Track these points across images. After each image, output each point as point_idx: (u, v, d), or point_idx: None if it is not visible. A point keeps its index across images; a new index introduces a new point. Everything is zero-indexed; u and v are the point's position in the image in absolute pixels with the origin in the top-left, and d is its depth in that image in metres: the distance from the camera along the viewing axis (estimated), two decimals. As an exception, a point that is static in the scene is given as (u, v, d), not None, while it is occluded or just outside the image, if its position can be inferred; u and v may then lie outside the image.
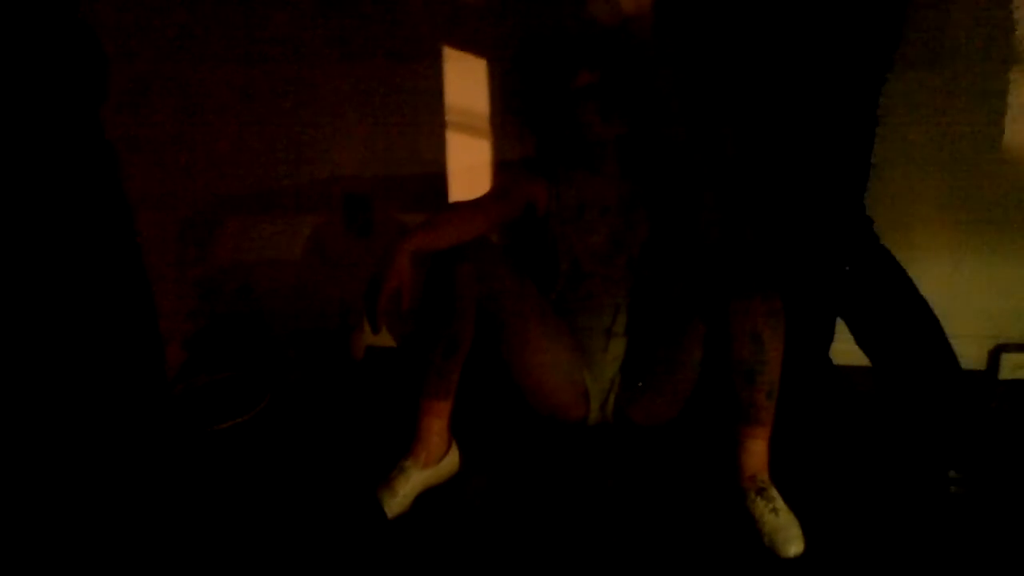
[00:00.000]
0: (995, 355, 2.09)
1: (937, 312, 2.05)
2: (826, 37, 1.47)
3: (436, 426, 1.64)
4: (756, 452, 1.54)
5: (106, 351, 1.41)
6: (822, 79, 1.50)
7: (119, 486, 1.59)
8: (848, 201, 1.61)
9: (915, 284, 1.63)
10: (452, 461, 1.69)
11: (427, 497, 1.62)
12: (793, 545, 1.42)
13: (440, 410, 1.64)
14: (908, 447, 1.66)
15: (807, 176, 1.59)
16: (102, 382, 1.42)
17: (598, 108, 1.71)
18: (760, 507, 1.48)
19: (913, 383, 1.63)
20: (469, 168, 2.14)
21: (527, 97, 1.85)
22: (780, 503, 1.48)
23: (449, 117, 2.11)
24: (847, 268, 1.60)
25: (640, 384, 1.71)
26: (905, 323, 1.62)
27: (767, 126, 1.61)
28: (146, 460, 1.62)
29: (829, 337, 1.94)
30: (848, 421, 1.80)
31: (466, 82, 2.07)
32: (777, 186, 1.65)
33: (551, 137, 1.80)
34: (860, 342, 1.69)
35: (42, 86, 1.20)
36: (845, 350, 1.83)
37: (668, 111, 1.76)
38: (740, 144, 1.73)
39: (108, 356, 1.41)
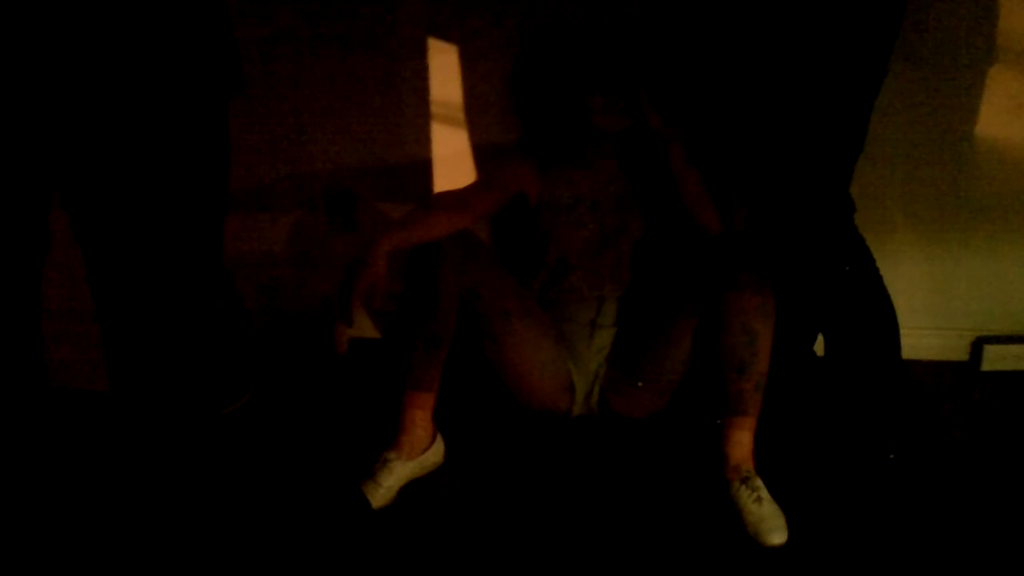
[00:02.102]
0: (977, 347, 2.11)
1: (921, 305, 2.09)
2: (826, 21, 1.47)
3: (420, 418, 1.63)
4: (742, 442, 1.55)
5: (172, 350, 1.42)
6: (824, 64, 1.50)
7: (105, 478, 1.59)
8: (835, 184, 1.61)
9: (881, 275, 1.65)
10: (437, 453, 1.68)
11: (411, 489, 1.61)
12: (777, 535, 1.42)
13: (423, 402, 1.64)
14: (852, 420, 1.70)
15: (800, 160, 1.59)
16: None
17: (602, 101, 1.67)
18: (744, 497, 1.48)
19: (859, 366, 1.68)
20: (455, 160, 2.14)
21: (532, 90, 1.83)
22: (764, 493, 1.49)
23: (435, 110, 2.10)
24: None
25: (640, 384, 1.70)
26: (862, 311, 1.64)
27: (766, 112, 1.61)
28: (135, 451, 1.61)
29: (815, 331, 1.94)
30: (832, 413, 1.81)
31: (453, 75, 2.07)
32: (771, 173, 1.65)
33: (550, 129, 1.78)
34: (820, 322, 1.72)
35: (187, 75, 1.24)
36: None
37: (672, 108, 1.74)
38: (739, 136, 1.73)
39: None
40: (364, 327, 2.31)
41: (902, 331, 1.67)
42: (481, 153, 2.11)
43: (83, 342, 1.94)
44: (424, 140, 2.13)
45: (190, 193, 1.32)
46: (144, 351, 1.38)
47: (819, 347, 1.96)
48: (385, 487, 1.56)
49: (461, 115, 2.10)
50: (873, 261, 1.64)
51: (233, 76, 1.36)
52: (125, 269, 1.31)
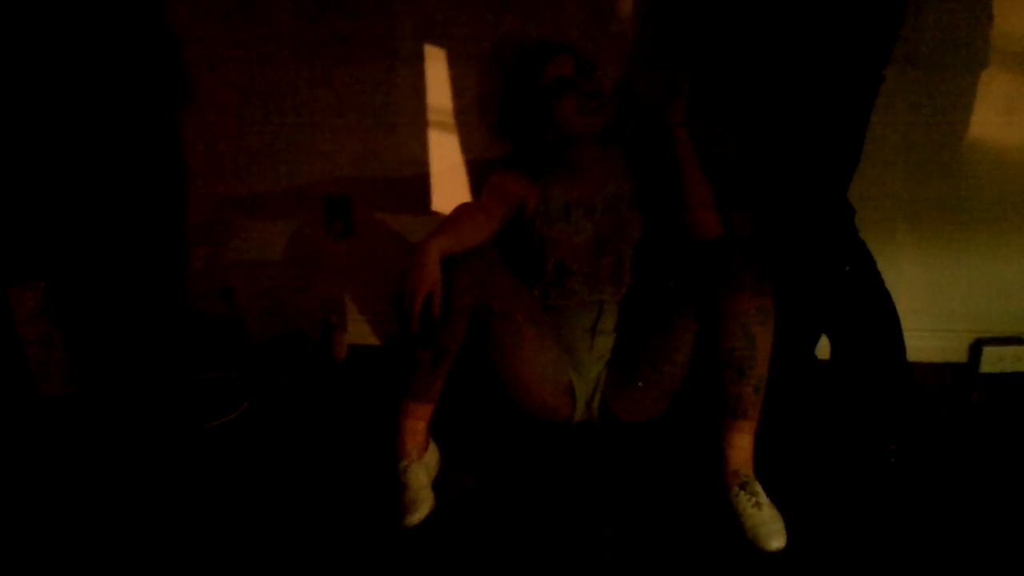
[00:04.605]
0: (976, 348, 2.11)
1: (921, 307, 2.09)
2: (826, 32, 1.48)
3: (419, 427, 1.63)
4: (741, 446, 1.54)
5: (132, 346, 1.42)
6: (820, 74, 1.50)
7: (110, 484, 1.59)
8: (833, 191, 1.61)
9: (882, 277, 1.66)
10: (433, 453, 1.68)
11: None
12: (775, 539, 1.42)
13: (423, 413, 1.64)
14: (857, 424, 1.71)
15: (797, 167, 1.59)
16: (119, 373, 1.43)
17: (574, 101, 1.69)
18: (743, 501, 1.48)
19: (865, 369, 1.68)
20: (451, 169, 2.14)
21: (503, 99, 1.84)
22: (763, 497, 1.48)
23: (432, 117, 2.10)
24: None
25: (640, 384, 1.70)
26: (867, 314, 1.65)
27: (763, 121, 1.61)
28: (136, 458, 1.62)
29: (816, 334, 1.94)
30: (832, 416, 1.81)
31: (449, 82, 2.07)
32: (769, 179, 1.65)
33: (531, 139, 1.79)
34: (824, 326, 1.73)
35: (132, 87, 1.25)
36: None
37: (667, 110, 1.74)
38: (740, 140, 1.73)
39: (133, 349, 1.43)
40: (362, 333, 2.32)
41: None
42: (478, 159, 2.12)
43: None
44: (423, 143, 2.13)
45: (138, 200, 1.31)
46: (106, 357, 1.38)
47: (820, 351, 1.96)
48: (419, 493, 1.55)
49: (461, 118, 2.10)
50: (874, 263, 1.64)
51: (173, 81, 1.34)
52: (86, 282, 1.30)
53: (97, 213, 1.28)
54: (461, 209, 1.67)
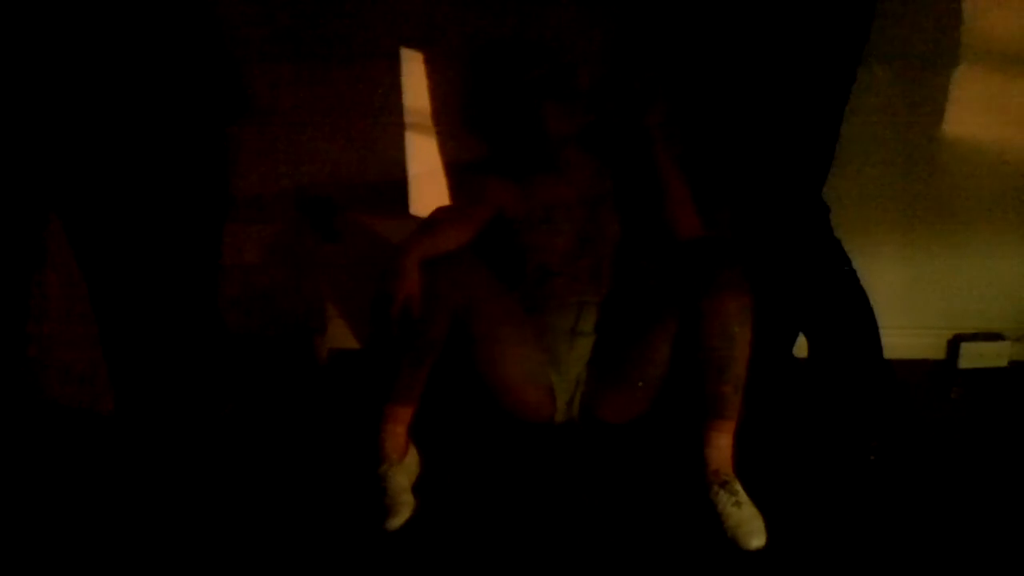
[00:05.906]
0: (954, 345, 2.12)
1: (899, 304, 2.10)
2: (798, 29, 1.48)
3: (399, 430, 1.63)
4: (721, 446, 1.55)
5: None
6: (792, 75, 1.51)
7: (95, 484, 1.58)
8: (807, 190, 1.62)
9: (858, 275, 1.67)
10: (413, 456, 1.68)
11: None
12: (755, 538, 1.43)
13: (404, 416, 1.63)
14: (836, 421, 1.73)
15: (772, 167, 1.60)
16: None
17: (554, 103, 1.69)
18: (723, 500, 1.48)
19: (842, 367, 1.70)
20: (433, 171, 2.13)
21: (483, 102, 1.84)
22: (743, 496, 1.49)
23: (414, 119, 2.09)
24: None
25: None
26: (842, 311, 1.66)
27: (737, 121, 1.62)
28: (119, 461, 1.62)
29: (794, 333, 1.95)
30: (812, 415, 1.82)
31: (431, 85, 2.06)
32: (745, 179, 1.66)
33: (510, 141, 1.79)
34: (801, 325, 1.75)
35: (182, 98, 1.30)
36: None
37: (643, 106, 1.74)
38: (717, 140, 1.74)
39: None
40: (343, 337, 2.31)
41: (880, 331, 1.68)
42: (459, 161, 2.11)
43: (81, 344, 1.93)
44: (405, 145, 2.12)
45: (186, 211, 1.34)
46: (145, 367, 1.40)
47: (799, 349, 1.98)
48: (400, 497, 1.54)
49: (442, 120, 2.09)
50: (849, 261, 1.66)
51: (233, 101, 1.39)
52: (125, 288, 1.33)
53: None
54: (441, 212, 1.67)
